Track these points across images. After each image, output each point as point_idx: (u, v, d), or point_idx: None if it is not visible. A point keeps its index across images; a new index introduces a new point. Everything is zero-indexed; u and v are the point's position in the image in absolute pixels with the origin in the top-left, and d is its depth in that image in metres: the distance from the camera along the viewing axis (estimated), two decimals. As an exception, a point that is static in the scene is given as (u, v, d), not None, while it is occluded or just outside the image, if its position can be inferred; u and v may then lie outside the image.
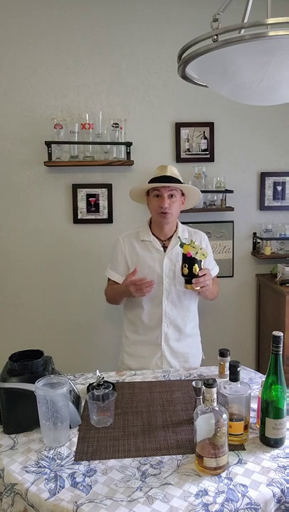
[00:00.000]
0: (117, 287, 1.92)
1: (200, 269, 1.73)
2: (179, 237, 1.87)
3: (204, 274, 1.74)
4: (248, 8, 1.21)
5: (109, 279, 2.00)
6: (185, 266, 1.73)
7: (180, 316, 1.92)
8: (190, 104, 2.79)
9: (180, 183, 1.89)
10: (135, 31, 2.70)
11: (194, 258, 1.71)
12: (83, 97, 2.73)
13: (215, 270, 2.05)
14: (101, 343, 2.88)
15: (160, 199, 1.86)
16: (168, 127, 2.81)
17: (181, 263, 1.77)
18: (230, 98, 1.28)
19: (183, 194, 1.94)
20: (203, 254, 1.73)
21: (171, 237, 1.95)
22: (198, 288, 1.75)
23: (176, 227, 1.98)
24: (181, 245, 1.76)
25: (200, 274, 1.72)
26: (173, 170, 1.93)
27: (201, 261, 1.74)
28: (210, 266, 1.97)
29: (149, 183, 1.90)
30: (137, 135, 2.76)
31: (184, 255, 1.73)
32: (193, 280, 1.72)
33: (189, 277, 1.73)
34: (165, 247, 1.94)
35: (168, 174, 1.89)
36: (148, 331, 1.92)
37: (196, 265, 1.72)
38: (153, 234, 1.95)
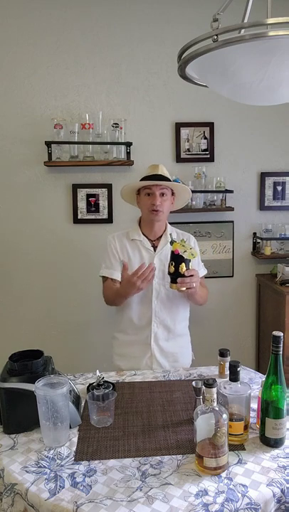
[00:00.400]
0: (117, 289, 1.85)
1: (187, 269, 1.68)
2: (170, 234, 1.87)
3: (191, 276, 1.69)
4: (248, 8, 1.21)
5: (105, 280, 1.96)
6: (172, 264, 1.68)
7: (170, 316, 1.92)
8: (190, 104, 2.79)
9: (171, 181, 1.92)
10: (135, 31, 2.70)
11: (182, 256, 1.66)
12: (83, 97, 2.73)
13: (202, 272, 2.02)
14: (101, 343, 2.88)
15: (152, 197, 1.87)
16: (168, 127, 2.81)
17: (168, 261, 1.73)
18: (230, 98, 1.28)
19: (173, 194, 1.95)
20: (192, 254, 1.68)
21: (161, 236, 1.96)
22: (184, 289, 1.69)
23: (166, 228, 1.99)
24: (171, 242, 1.72)
25: (186, 274, 1.68)
26: (164, 169, 1.94)
27: (189, 260, 1.68)
28: (197, 268, 1.95)
29: (140, 181, 1.91)
30: (137, 135, 2.76)
31: (172, 253, 1.69)
32: (179, 280, 1.66)
33: (175, 276, 1.67)
34: (155, 247, 1.94)
35: (159, 173, 1.90)
36: (138, 330, 1.92)
37: (183, 264, 1.66)
38: (143, 233, 1.96)
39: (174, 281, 1.69)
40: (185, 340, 2.03)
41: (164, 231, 1.97)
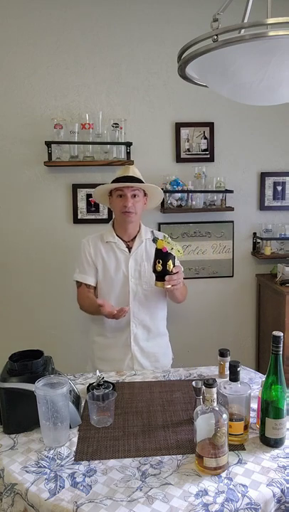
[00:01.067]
0: (91, 304, 1.87)
1: (174, 266, 1.67)
2: (152, 232, 1.88)
3: (177, 272, 1.69)
4: (248, 8, 1.21)
5: (79, 285, 1.96)
6: (159, 262, 1.65)
7: (148, 316, 1.92)
8: (190, 104, 2.79)
9: (143, 182, 1.92)
10: (135, 31, 2.70)
11: (170, 254, 1.65)
12: (83, 97, 2.73)
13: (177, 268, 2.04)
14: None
15: (123, 199, 1.87)
16: (168, 127, 2.81)
17: (153, 259, 1.69)
18: (230, 98, 1.28)
19: (145, 195, 1.96)
20: (179, 251, 1.67)
21: (135, 237, 1.96)
22: (170, 286, 1.68)
23: (140, 228, 1.99)
24: (154, 240, 1.70)
25: (174, 271, 1.67)
26: (135, 170, 1.95)
27: (174, 257, 1.67)
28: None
29: (111, 183, 1.91)
30: (137, 135, 2.76)
31: (159, 251, 1.66)
32: (167, 277, 1.65)
33: (162, 274, 1.65)
34: (130, 248, 1.94)
35: (130, 174, 1.90)
36: (116, 333, 1.92)
37: (171, 261, 1.65)
38: (117, 235, 1.95)
39: (159, 279, 1.66)
40: (165, 340, 2.04)
41: (138, 232, 1.97)
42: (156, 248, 1.68)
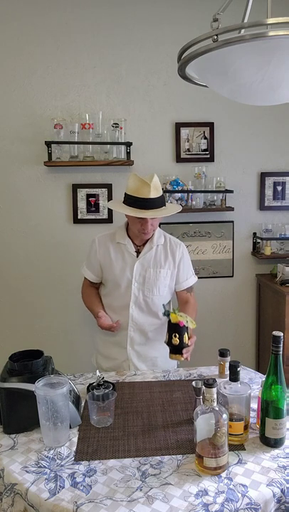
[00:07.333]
0: (91, 306, 1.97)
1: (189, 338, 1.62)
2: (163, 305, 1.76)
3: (190, 338, 1.64)
4: (248, 8, 1.21)
5: (84, 277, 2.04)
6: (175, 336, 1.58)
7: (147, 322, 1.91)
8: (190, 104, 2.79)
9: (163, 200, 1.82)
10: (135, 31, 2.70)
11: (185, 327, 1.60)
12: (83, 97, 2.73)
13: (192, 280, 1.99)
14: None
15: (143, 222, 1.79)
16: (168, 127, 2.81)
17: (168, 333, 1.63)
18: (231, 98, 1.28)
19: None
20: (192, 322, 1.63)
21: (147, 242, 1.91)
22: (186, 356, 1.61)
23: (153, 234, 1.91)
24: (167, 314, 1.64)
25: (190, 344, 1.62)
26: (156, 185, 1.78)
27: (188, 328, 1.62)
28: (188, 275, 1.96)
29: (129, 201, 1.78)
30: (137, 135, 2.76)
31: (175, 325, 1.60)
32: (184, 350, 1.59)
33: (180, 348, 1.59)
34: (139, 252, 1.91)
35: (152, 196, 1.74)
36: (116, 333, 1.92)
37: (186, 334, 1.60)
38: (129, 236, 1.92)
39: (175, 352, 1.60)
40: (165, 346, 1.95)
41: (151, 237, 1.91)
42: (171, 322, 1.61)
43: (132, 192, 1.78)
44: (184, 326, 1.59)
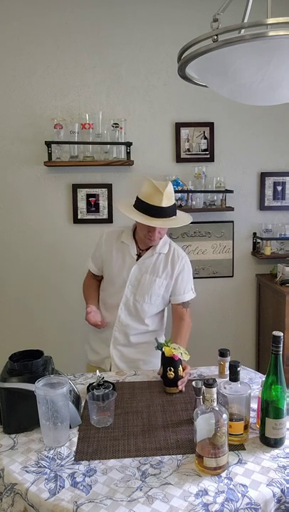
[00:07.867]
0: (85, 298, 2.02)
1: (183, 369, 1.61)
2: (156, 339, 1.73)
3: (184, 369, 1.62)
4: (248, 8, 1.21)
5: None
6: (170, 370, 1.56)
7: (132, 326, 1.91)
8: (190, 104, 2.79)
9: (175, 209, 1.80)
10: (135, 31, 2.70)
11: (180, 360, 1.59)
12: (83, 97, 2.73)
13: (190, 295, 1.95)
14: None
15: (150, 229, 1.77)
16: (168, 127, 2.81)
17: (162, 366, 1.61)
18: (231, 98, 1.28)
19: None
20: (186, 353, 1.61)
21: (150, 247, 1.90)
22: (181, 387, 1.59)
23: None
24: (160, 347, 1.62)
25: (184, 376, 1.60)
26: (169, 194, 1.75)
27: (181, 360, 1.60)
28: (186, 289, 1.92)
29: (140, 206, 1.76)
30: (137, 135, 2.76)
31: (169, 358, 1.58)
32: (180, 382, 1.57)
33: (175, 381, 1.57)
34: (140, 256, 1.90)
35: (163, 205, 1.73)
36: (104, 330, 1.94)
37: (180, 366, 1.59)
38: (134, 238, 1.91)
39: (171, 385, 1.58)
40: (149, 348, 1.90)
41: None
42: (165, 356, 1.60)
43: (145, 198, 1.76)
44: (179, 359, 1.58)
